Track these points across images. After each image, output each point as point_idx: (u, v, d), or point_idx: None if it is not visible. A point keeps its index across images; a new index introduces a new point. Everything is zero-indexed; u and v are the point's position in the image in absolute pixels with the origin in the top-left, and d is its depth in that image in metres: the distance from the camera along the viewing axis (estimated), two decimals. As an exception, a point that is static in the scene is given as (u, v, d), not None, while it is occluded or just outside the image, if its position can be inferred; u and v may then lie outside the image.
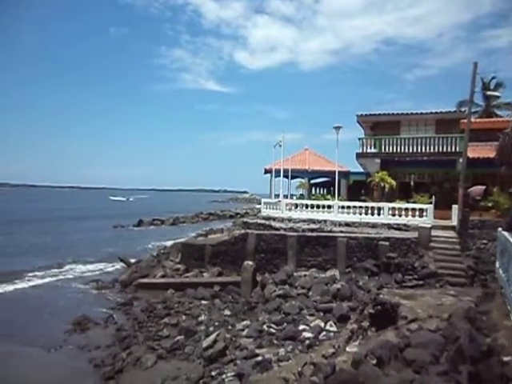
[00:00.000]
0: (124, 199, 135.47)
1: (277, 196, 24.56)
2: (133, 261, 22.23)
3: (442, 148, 21.62)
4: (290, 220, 19.63)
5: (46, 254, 25.00)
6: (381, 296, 8.96)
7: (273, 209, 22.10)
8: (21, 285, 17.61)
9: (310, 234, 16.99)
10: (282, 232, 17.53)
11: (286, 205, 21.34)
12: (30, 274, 19.28)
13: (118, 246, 29.35)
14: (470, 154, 18.69)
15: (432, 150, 21.80)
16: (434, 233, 15.82)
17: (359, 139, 24.04)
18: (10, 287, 17.10)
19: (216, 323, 11.90)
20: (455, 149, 21.08)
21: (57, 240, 32.58)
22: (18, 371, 9.56)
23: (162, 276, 17.31)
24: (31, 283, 17.98)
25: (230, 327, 11.56)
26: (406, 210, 18.42)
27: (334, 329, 10.99)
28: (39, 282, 18.33)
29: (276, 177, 26.45)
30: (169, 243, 27.10)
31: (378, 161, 22.94)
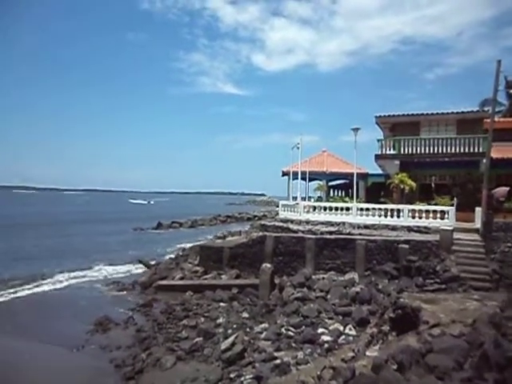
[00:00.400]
0: (145, 202, 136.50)
1: (294, 198, 24.47)
2: (152, 263, 22.57)
3: (465, 148, 21.14)
4: (308, 222, 19.51)
5: (68, 257, 25.61)
6: (401, 300, 8.81)
7: (291, 211, 22.03)
8: (45, 287, 18.04)
9: (328, 236, 16.84)
10: (300, 234, 17.44)
11: (304, 207, 21.23)
12: (54, 277, 19.70)
13: (138, 249, 29.81)
14: (494, 155, 18.16)
15: (454, 151, 21.34)
16: (456, 235, 15.44)
17: (378, 140, 23.76)
18: (34, 289, 17.54)
19: (234, 325, 11.92)
20: (478, 149, 20.57)
21: (78, 243, 33.30)
22: (42, 369, 9.82)
23: (181, 278, 17.45)
24: (54, 285, 18.39)
25: (248, 330, 11.56)
26: (427, 212, 18.04)
27: (353, 332, 10.87)
28: (62, 284, 18.74)
29: (294, 179, 26.35)
30: (188, 246, 27.40)
31: (397, 162, 22.60)
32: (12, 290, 16.98)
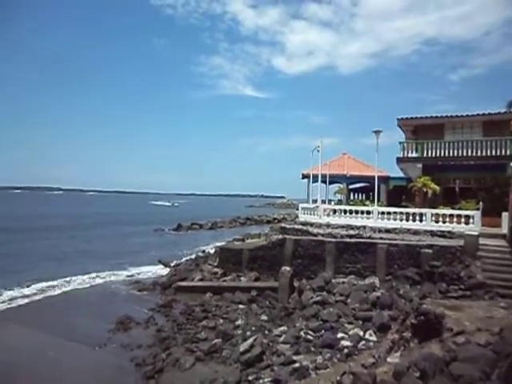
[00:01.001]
0: (169, 204, 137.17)
1: (314, 201, 24.31)
2: (172, 264, 22.85)
3: (491, 151, 20.56)
4: (328, 226, 19.34)
5: (92, 258, 26.21)
6: (424, 306, 8.59)
7: (310, 214, 21.89)
8: (70, 286, 18.48)
9: (348, 240, 16.65)
10: (319, 238, 17.30)
11: (324, 210, 21.07)
12: (78, 277, 20.12)
13: (159, 250, 30.22)
14: (522, 158, 17.61)
15: (479, 154, 20.78)
16: (482, 241, 14.97)
17: (400, 143, 23.41)
18: (60, 289, 17.99)
19: (253, 328, 11.91)
20: (505, 152, 19.98)
21: (102, 244, 34.03)
22: (65, 366, 10.07)
23: (200, 279, 17.59)
24: (78, 285, 18.81)
25: (266, 332, 11.55)
26: (451, 216, 17.58)
27: (373, 338, 10.68)
28: (85, 284, 19.15)
29: (314, 182, 26.21)
30: (208, 247, 27.60)
31: (419, 165, 22.21)
32: (39, 290, 17.48)
